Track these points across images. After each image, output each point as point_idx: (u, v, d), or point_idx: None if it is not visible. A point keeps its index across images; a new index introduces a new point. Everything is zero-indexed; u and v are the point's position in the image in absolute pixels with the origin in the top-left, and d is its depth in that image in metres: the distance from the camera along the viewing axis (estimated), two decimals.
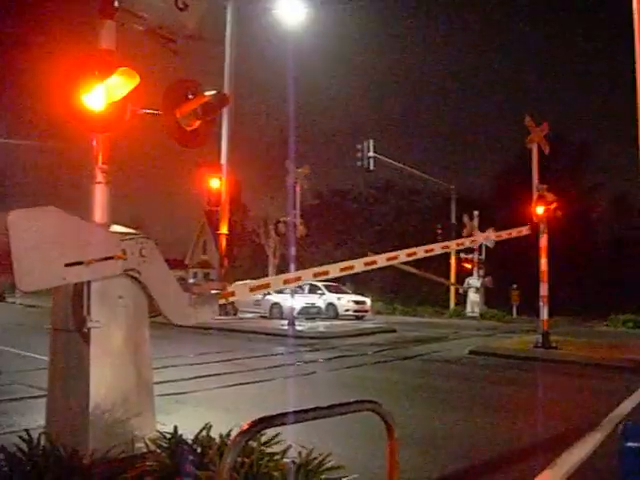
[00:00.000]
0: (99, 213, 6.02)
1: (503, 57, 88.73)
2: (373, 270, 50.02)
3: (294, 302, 25.37)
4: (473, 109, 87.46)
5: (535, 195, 18.80)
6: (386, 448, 3.65)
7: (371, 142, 29.53)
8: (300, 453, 5.29)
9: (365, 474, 6.01)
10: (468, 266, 36.68)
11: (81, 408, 5.61)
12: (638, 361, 15.20)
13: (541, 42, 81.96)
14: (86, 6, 6.45)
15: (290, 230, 25.06)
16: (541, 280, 18.48)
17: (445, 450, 7.51)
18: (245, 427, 2.90)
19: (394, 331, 25.29)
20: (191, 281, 45.57)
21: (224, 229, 16.59)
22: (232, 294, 10.84)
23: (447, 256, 37.95)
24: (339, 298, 32.54)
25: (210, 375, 12.58)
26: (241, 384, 11.77)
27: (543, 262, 18.49)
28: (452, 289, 38.84)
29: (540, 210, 18.62)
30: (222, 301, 8.24)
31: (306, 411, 3.20)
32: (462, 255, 36.45)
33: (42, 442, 5.43)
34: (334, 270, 18.83)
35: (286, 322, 24.93)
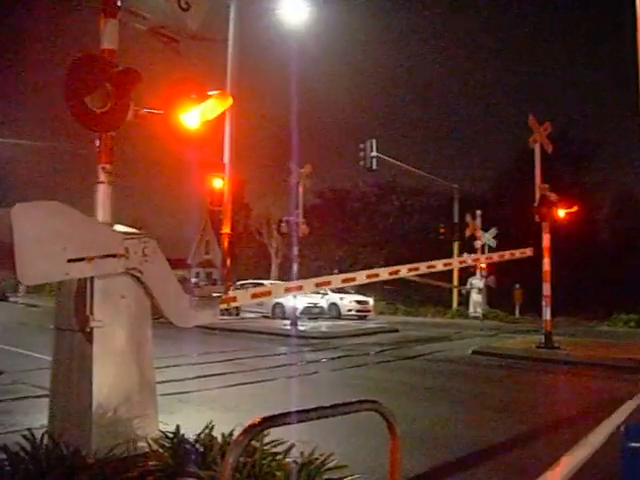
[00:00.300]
0: (101, 212, 6.03)
1: (506, 56, 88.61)
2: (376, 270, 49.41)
3: (296, 302, 25.36)
4: (476, 108, 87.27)
5: (538, 195, 18.78)
6: (388, 447, 3.65)
7: (374, 141, 29.48)
8: (302, 453, 5.30)
9: (367, 473, 6.01)
10: (471, 266, 36.62)
11: (84, 407, 5.62)
12: None
13: (544, 40, 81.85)
14: (89, 5, 6.47)
15: (292, 229, 25.06)
16: (544, 280, 18.46)
17: (447, 450, 7.50)
18: (247, 427, 2.91)
19: (396, 331, 25.28)
20: (193, 280, 45.64)
21: (227, 229, 16.56)
22: (234, 299, 10.88)
23: (450, 256, 37.94)
24: (341, 298, 32.51)
25: (213, 375, 12.59)
26: (243, 384, 11.77)
27: (546, 262, 18.48)
28: (455, 283, 38.78)
29: (543, 210, 18.61)
30: (224, 306, 8.24)
31: (308, 411, 3.20)
32: (465, 255, 36.40)
33: (45, 441, 5.44)
34: (336, 281, 18.95)
35: (288, 322, 24.93)
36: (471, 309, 35.99)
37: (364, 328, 25.63)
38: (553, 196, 18.75)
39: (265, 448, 5.20)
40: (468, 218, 35.34)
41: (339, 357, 16.56)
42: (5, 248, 4.91)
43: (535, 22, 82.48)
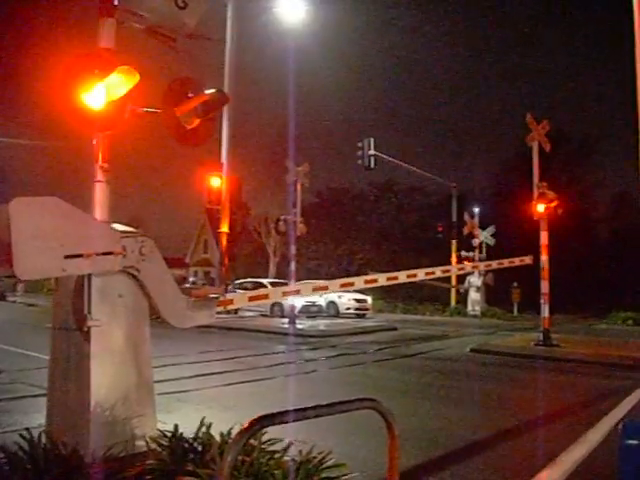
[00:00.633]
0: (99, 211, 6.02)
1: (504, 54, 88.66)
2: (373, 268, 50.09)
3: (295, 300, 25.36)
4: (474, 107, 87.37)
5: (536, 193, 18.81)
6: (386, 445, 3.65)
7: (372, 140, 29.49)
8: (301, 451, 5.30)
9: (366, 471, 6.01)
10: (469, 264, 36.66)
11: (82, 407, 5.61)
12: (638, 358, 15.21)
13: (542, 39, 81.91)
14: (85, 5, 6.46)
15: (290, 228, 25.06)
16: (542, 278, 18.49)
17: (445, 448, 7.51)
18: (246, 425, 2.91)
19: (395, 329, 25.30)
20: (191, 279, 45.65)
21: (225, 228, 16.55)
22: (231, 302, 10.87)
23: (448, 254, 37.98)
24: (340, 296, 32.51)
25: (211, 374, 12.59)
26: (242, 382, 11.78)
27: (544, 259, 18.51)
28: (453, 282, 38.82)
29: (540, 208, 18.64)
30: (220, 308, 8.22)
31: (307, 409, 3.20)
32: (463, 253, 36.42)
33: (43, 441, 5.43)
34: (334, 286, 18.95)
35: (287, 320, 24.93)
36: (469, 307, 36.04)
37: (362, 326, 25.64)
38: (551, 194, 18.77)
39: (263, 446, 5.20)
40: (466, 216, 35.38)
41: (337, 355, 16.57)
42: (2, 244, 4.90)
43: (535, 22, 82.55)
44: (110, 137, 6.18)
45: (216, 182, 16.41)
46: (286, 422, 3.05)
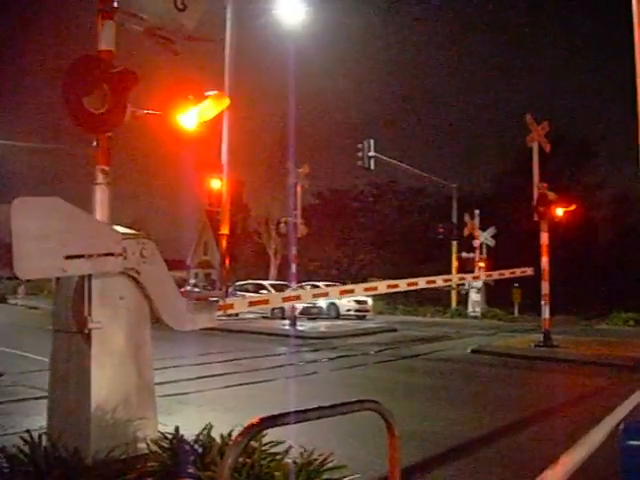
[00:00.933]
0: (99, 214, 6.02)
1: (504, 55, 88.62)
2: (375, 269, 49.99)
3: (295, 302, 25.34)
4: (474, 107, 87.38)
5: (536, 194, 18.79)
6: (387, 447, 3.64)
7: (372, 141, 29.47)
8: (302, 453, 5.29)
9: (367, 473, 6.01)
10: (469, 266, 36.61)
11: (83, 409, 5.61)
12: (639, 359, 15.20)
13: (542, 40, 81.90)
14: (85, 7, 6.47)
15: (291, 230, 25.06)
16: (542, 279, 18.48)
17: (446, 448, 7.51)
18: (246, 427, 2.90)
19: (395, 330, 25.29)
20: (192, 281, 45.58)
21: (225, 229, 16.56)
22: (231, 307, 10.85)
23: (449, 256, 37.95)
24: (340, 298, 32.50)
25: (212, 375, 12.58)
26: (243, 384, 11.77)
27: (544, 261, 18.50)
28: (453, 286, 38.79)
29: (541, 209, 18.62)
30: (220, 313, 8.20)
31: (308, 411, 3.20)
32: (464, 254, 36.39)
33: (44, 443, 5.43)
34: (334, 292, 18.98)
35: (287, 322, 24.94)
36: (470, 308, 36.00)
37: (363, 328, 25.63)
38: (551, 195, 18.77)
39: (264, 448, 5.20)
40: (467, 217, 35.34)
41: (338, 357, 16.56)
42: (3, 244, 4.90)
43: (535, 21, 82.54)
44: (110, 139, 6.18)
45: (216, 184, 16.46)
46: (287, 424, 3.05)
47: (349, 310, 31.99)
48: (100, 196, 6.08)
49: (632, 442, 3.48)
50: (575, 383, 13.11)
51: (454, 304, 38.47)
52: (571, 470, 6.45)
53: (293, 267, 25.23)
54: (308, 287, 34.13)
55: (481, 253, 35.86)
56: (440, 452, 7.39)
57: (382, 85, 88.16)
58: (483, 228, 35.43)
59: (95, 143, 6.13)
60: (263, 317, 30.79)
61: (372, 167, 29.78)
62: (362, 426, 6.86)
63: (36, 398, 9.24)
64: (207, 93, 6.61)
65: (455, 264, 38.03)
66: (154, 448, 5.50)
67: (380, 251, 51.46)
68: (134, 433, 5.79)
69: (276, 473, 4.93)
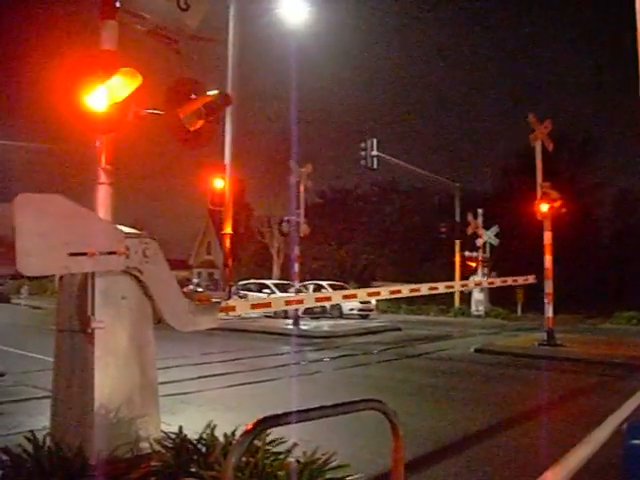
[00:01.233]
0: (102, 213, 6.01)
1: (507, 54, 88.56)
2: (377, 269, 49.92)
3: None
4: (477, 106, 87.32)
5: (539, 193, 18.77)
6: (391, 446, 3.64)
7: (374, 141, 29.48)
8: (305, 452, 5.29)
9: (370, 473, 6.01)
10: (472, 264, 36.58)
11: (86, 409, 5.61)
12: None
13: (544, 39, 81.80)
14: (87, 7, 6.46)
15: (294, 229, 25.06)
16: (545, 277, 18.46)
17: (448, 447, 7.51)
18: (249, 426, 2.90)
19: (399, 330, 25.28)
20: (195, 281, 45.62)
21: (228, 229, 16.56)
22: (233, 309, 10.86)
23: (451, 255, 37.94)
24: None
25: (214, 375, 12.59)
26: (245, 384, 11.77)
27: (547, 259, 18.47)
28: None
29: (544, 207, 18.60)
30: (222, 315, 8.18)
31: (311, 410, 3.20)
32: (466, 253, 36.36)
33: (47, 443, 5.44)
34: (336, 297, 18.99)
35: (291, 321, 24.94)
36: (473, 307, 35.98)
37: (366, 327, 25.62)
38: (554, 193, 18.74)
39: (267, 448, 5.19)
40: (470, 216, 35.31)
41: (341, 356, 16.56)
42: (6, 243, 4.90)
43: (536, 20, 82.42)
44: (113, 139, 6.19)
45: (219, 184, 16.47)
46: (290, 423, 3.04)
47: (352, 309, 31.99)
48: (103, 195, 6.07)
49: (635, 441, 3.48)
50: (578, 382, 13.09)
51: (457, 303, 38.46)
52: (575, 469, 6.44)
53: (296, 266, 25.25)
54: (311, 286, 34.18)
55: (484, 252, 35.84)
56: (442, 451, 7.39)
57: (385, 84, 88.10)
58: (486, 227, 35.40)
59: (98, 143, 6.13)
60: (266, 316, 30.78)
61: (375, 166, 29.78)
62: (365, 425, 6.86)
63: (39, 398, 9.26)
64: (209, 92, 6.61)
65: (458, 263, 38.03)
66: (157, 447, 5.50)
67: (383, 250, 51.43)
68: (137, 432, 5.80)
69: (279, 472, 4.92)
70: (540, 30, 78.56)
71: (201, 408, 9.29)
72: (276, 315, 30.17)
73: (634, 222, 44.86)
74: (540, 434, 8.31)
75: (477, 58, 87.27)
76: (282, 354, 17.40)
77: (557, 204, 18.84)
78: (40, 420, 7.14)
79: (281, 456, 5.18)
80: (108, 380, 5.70)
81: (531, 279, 19.17)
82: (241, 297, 30.30)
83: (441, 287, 19.88)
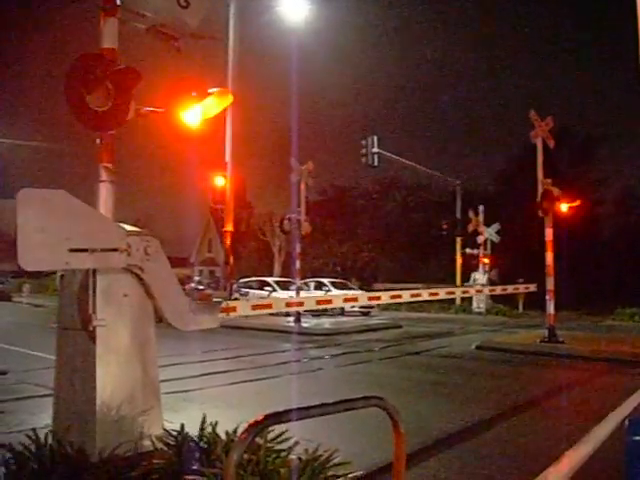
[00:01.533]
0: (103, 211, 6.02)
1: (508, 51, 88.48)
2: (379, 266, 49.93)
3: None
4: (478, 103, 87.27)
5: (540, 189, 18.74)
6: (393, 443, 3.64)
7: (375, 138, 29.46)
8: (307, 449, 5.30)
9: (372, 469, 6.02)
10: (474, 261, 36.56)
11: (88, 406, 5.62)
12: None
13: (546, 35, 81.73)
14: (88, 5, 6.47)
15: (295, 227, 25.06)
16: (547, 274, 18.44)
17: (451, 446, 7.51)
18: (251, 424, 2.90)
19: (400, 327, 25.26)
20: (196, 279, 45.65)
21: (229, 227, 16.59)
22: (234, 309, 10.86)
23: (453, 252, 37.93)
24: (345, 294, 32.46)
25: (216, 372, 12.61)
26: (247, 381, 11.79)
27: (549, 256, 18.45)
28: (457, 283, 38.73)
29: (545, 204, 18.57)
30: (223, 315, 8.19)
31: (312, 407, 3.20)
32: (467, 250, 36.34)
33: (49, 441, 5.44)
34: (337, 300, 19.06)
35: (292, 319, 24.92)
36: (474, 304, 35.92)
37: (368, 324, 25.62)
38: (556, 191, 18.71)
39: (269, 445, 5.20)
40: (471, 214, 35.28)
41: (343, 354, 16.57)
42: (7, 240, 4.91)
43: (537, 19, 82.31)
44: (114, 137, 6.19)
45: (220, 181, 16.49)
46: (292, 420, 3.05)
47: (353, 307, 31.94)
48: (104, 194, 6.08)
49: (637, 438, 3.48)
50: (580, 379, 13.10)
51: (458, 301, 38.44)
52: (576, 466, 6.44)
53: (297, 264, 25.25)
54: (312, 284, 34.14)
55: (485, 249, 35.82)
56: (443, 447, 7.40)
57: (385, 82, 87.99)
58: (487, 224, 35.38)
59: (98, 141, 6.13)
60: (268, 314, 30.76)
61: (376, 164, 29.77)
62: (367, 422, 6.86)
63: (41, 396, 9.27)
64: (210, 90, 6.61)
65: (459, 260, 38.02)
66: (159, 445, 5.52)
67: (384, 248, 51.40)
68: (139, 430, 5.80)
69: (281, 469, 4.93)
70: (542, 27, 78.49)
71: (203, 405, 9.29)
72: (277, 313, 30.16)
73: (636, 219, 44.88)
74: (541, 431, 8.31)
75: (479, 55, 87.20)
76: (283, 351, 17.41)
77: (558, 201, 18.82)
78: (42, 418, 7.15)
79: (283, 453, 5.19)
80: (110, 378, 5.71)
81: (532, 287, 19.17)
82: (242, 295, 30.32)
83: (442, 293, 19.96)
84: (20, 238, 4.86)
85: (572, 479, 6.19)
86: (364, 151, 29.62)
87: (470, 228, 35.28)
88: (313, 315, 29.17)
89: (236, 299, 27.53)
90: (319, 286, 33.58)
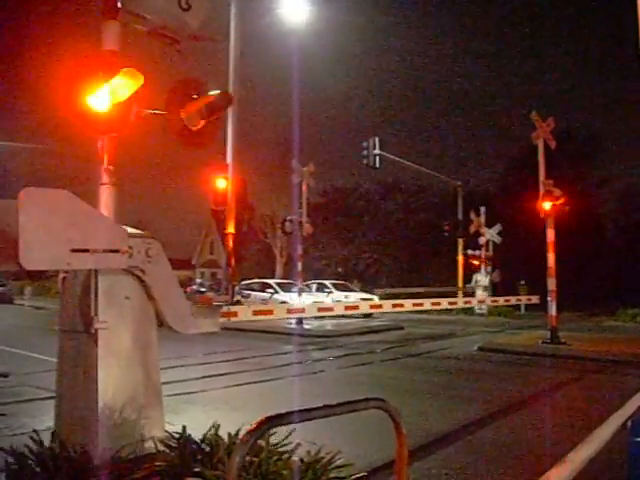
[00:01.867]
0: (105, 214, 6.02)
1: (508, 52, 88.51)
2: (381, 268, 49.89)
3: (302, 300, 25.36)
4: (479, 104, 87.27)
5: (542, 190, 18.74)
6: (394, 445, 3.64)
7: (376, 139, 29.44)
8: (309, 451, 5.29)
9: (374, 471, 6.01)
10: (476, 263, 36.56)
11: (90, 409, 5.62)
12: None
13: (547, 36, 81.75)
14: (89, 7, 6.47)
15: (296, 229, 25.06)
16: (549, 275, 18.43)
17: (453, 447, 7.51)
18: (253, 426, 2.90)
19: (402, 329, 25.24)
20: (198, 281, 45.65)
21: (231, 228, 16.56)
22: (235, 314, 10.86)
23: (454, 253, 37.90)
24: (347, 296, 32.43)
25: (218, 374, 12.60)
26: (249, 383, 11.78)
27: (551, 257, 18.45)
28: (459, 284, 38.69)
29: (547, 205, 18.57)
30: (224, 319, 8.19)
31: (314, 409, 3.20)
32: (469, 252, 36.33)
33: (51, 443, 5.44)
34: (339, 308, 19.12)
35: (294, 321, 24.91)
36: (476, 306, 35.93)
37: (370, 326, 25.60)
38: (557, 191, 18.71)
39: (271, 447, 5.20)
40: (472, 215, 35.26)
41: (345, 355, 16.56)
42: (8, 240, 4.91)
43: (538, 19, 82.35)
44: (115, 139, 6.19)
45: (222, 183, 16.46)
46: (294, 422, 3.05)
47: None
48: (106, 196, 6.08)
49: (639, 439, 3.47)
50: (582, 380, 13.08)
51: (460, 301, 38.40)
52: (578, 467, 6.42)
53: (299, 265, 25.25)
54: (314, 285, 34.15)
55: (487, 250, 35.80)
56: (445, 448, 7.39)
57: (386, 83, 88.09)
58: (489, 225, 35.37)
59: (100, 143, 6.14)
60: None
61: (377, 165, 29.76)
62: (369, 424, 6.85)
63: (43, 399, 9.27)
64: (210, 93, 6.62)
65: (461, 261, 37.98)
66: (161, 447, 5.51)
67: (386, 249, 51.41)
68: (141, 433, 5.80)
69: (283, 471, 4.93)
70: (543, 27, 78.50)
71: (205, 408, 9.30)
72: None
73: (637, 219, 44.80)
74: (543, 431, 8.30)
75: (480, 55, 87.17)
76: (285, 353, 17.40)
77: (560, 201, 18.81)
78: (44, 421, 7.15)
79: (285, 455, 5.18)
80: (112, 380, 5.71)
81: (534, 299, 19.23)
82: (244, 297, 30.29)
83: (444, 303, 20.07)
84: (22, 237, 4.86)
85: None
86: (365, 152, 29.60)
87: (472, 229, 35.28)
88: (315, 317, 29.14)
89: (238, 301, 27.54)
90: (321, 288, 33.57)
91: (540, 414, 9.51)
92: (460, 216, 38.60)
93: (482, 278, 35.76)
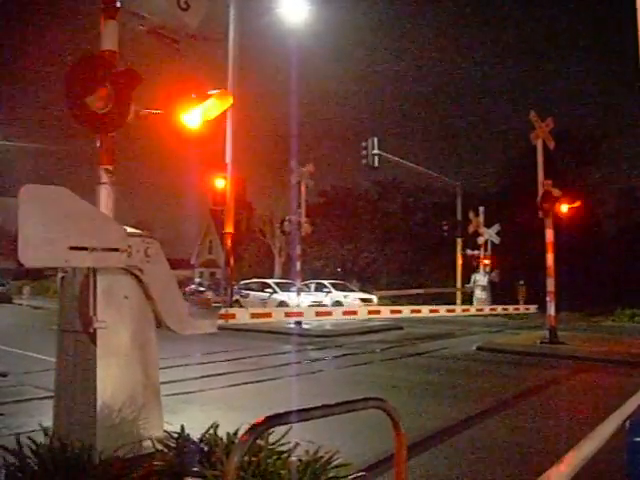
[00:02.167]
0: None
1: (508, 52, 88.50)
2: (380, 268, 50.02)
3: (300, 300, 25.34)
4: (478, 105, 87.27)
5: (541, 191, 18.75)
6: (393, 444, 3.64)
7: (375, 139, 29.48)
8: (308, 451, 5.29)
9: (373, 471, 6.01)
10: (486, 262, 36.54)
11: (88, 408, 5.62)
12: None
13: (546, 36, 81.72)
14: (88, 7, 6.47)
15: (295, 228, 25.06)
16: (547, 275, 18.44)
17: (452, 446, 7.50)
18: (252, 426, 2.90)
19: (401, 328, 25.21)
20: (197, 281, 45.63)
21: (230, 228, 16.60)
22: (233, 317, 10.87)
23: (453, 253, 37.95)
24: (346, 296, 32.44)
25: (217, 374, 12.58)
26: (248, 383, 11.77)
27: (549, 257, 18.46)
28: (458, 284, 38.73)
29: (546, 205, 18.58)
30: (222, 322, 8.20)
31: (313, 409, 3.19)
32: (468, 252, 36.37)
33: (50, 443, 5.43)
34: (337, 313, 19.19)
35: (293, 320, 24.89)
36: (475, 305, 35.97)
37: (369, 326, 25.54)
38: (556, 192, 18.72)
39: (270, 447, 5.19)
40: (471, 215, 35.30)
41: (344, 355, 16.56)
42: (7, 237, 4.91)
43: (538, 19, 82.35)
44: (114, 139, 6.19)
45: (220, 183, 16.50)
46: (292, 422, 3.05)
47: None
48: (104, 196, 6.08)
49: (638, 438, 3.47)
50: (581, 380, 13.09)
51: (459, 302, 38.43)
52: (578, 466, 6.43)
53: (298, 265, 25.23)
54: (313, 285, 34.15)
55: (486, 250, 35.83)
56: (444, 448, 7.39)
57: (385, 83, 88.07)
58: (488, 225, 35.40)
59: (98, 143, 6.13)
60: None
61: (376, 165, 29.80)
62: (368, 424, 6.85)
63: (41, 398, 9.25)
64: (210, 92, 6.62)
65: (460, 261, 38.01)
66: (160, 447, 5.51)
67: (385, 249, 51.43)
68: (140, 432, 5.80)
69: (282, 471, 4.92)
70: (543, 27, 78.52)
71: (203, 407, 9.30)
72: None
73: (636, 220, 44.80)
74: (542, 431, 8.30)
75: (479, 56, 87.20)
76: (284, 353, 17.39)
77: (559, 202, 18.83)
78: (43, 420, 7.12)
79: (284, 455, 5.18)
80: (110, 380, 5.71)
81: (532, 309, 19.35)
82: (243, 297, 30.29)
83: (442, 310, 20.16)
84: (21, 234, 4.86)
85: None
86: (364, 152, 29.64)
87: (470, 229, 35.34)
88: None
89: (237, 301, 27.54)
90: (320, 287, 33.57)
91: (539, 413, 9.50)
92: (459, 216, 38.68)
93: (481, 278, 35.80)
